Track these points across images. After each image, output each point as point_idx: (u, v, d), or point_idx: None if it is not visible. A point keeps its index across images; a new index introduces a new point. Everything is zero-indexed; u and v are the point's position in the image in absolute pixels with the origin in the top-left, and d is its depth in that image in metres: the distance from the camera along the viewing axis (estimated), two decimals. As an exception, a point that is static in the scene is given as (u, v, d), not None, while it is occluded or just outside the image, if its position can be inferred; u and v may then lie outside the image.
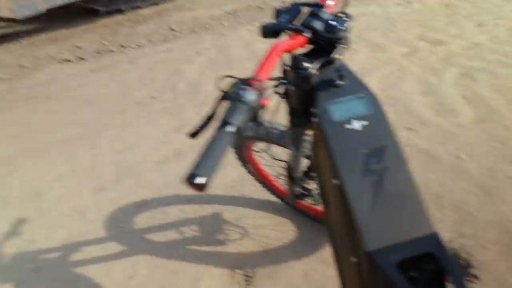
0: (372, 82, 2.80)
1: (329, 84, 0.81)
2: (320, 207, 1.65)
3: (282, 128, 1.32)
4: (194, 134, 0.74)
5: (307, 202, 1.53)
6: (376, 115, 0.76)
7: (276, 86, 0.92)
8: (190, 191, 2.02)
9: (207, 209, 1.91)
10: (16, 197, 2.18)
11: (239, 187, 2.02)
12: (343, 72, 0.81)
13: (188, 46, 3.90)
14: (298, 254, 1.63)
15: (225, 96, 0.67)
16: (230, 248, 1.70)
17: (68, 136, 2.69)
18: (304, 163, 1.32)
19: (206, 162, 0.59)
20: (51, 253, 1.82)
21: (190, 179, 0.57)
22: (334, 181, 0.70)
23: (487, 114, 2.38)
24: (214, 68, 3.36)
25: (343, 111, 0.76)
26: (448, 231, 1.63)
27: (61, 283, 1.68)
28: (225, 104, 0.68)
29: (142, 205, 2.00)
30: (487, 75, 2.77)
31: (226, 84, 0.70)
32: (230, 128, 0.62)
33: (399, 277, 0.57)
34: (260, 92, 0.68)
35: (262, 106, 0.69)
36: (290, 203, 1.75)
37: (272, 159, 1.42)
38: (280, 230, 1.75)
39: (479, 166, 1.97)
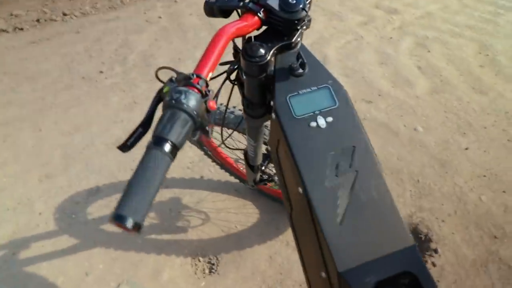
0: (330, 52, 2.75)
1: (288, 73, 0.70)
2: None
3: (239, 113, 1.24)
4: (124, 147, 0.57)
5: (270, 186, 1.49)
6: (342, 109, 0.67)
7: (226, 72, 0.82)
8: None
9: (165, 194, 1.82)
10: (-50, 191, 1.97)
11: (197, 168, 1.94)
12: (304, 59, 0.70)
13: (138, 14, 3.61)
14: (262, 237, 1.60)
15: (163, 97, 0.56)
16: (191, 235, 1.65)
17: (9, 117, 2.45)
18: (263, 149, 1.26)
19: (137, 198, 0.46)
20: (-4, 251, 1.69)
21: (118, 223, 0.44)
22: (299, 190, 0.63)
23: (441, 85, 2.42)
24: (167, 38, 3.15)
25: (306, 105, 0.67)
26: (407, 205, 1.67)
27: (8, 285, 1.56)
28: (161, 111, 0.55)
29: (95, 193, 1.88)
30: (440, 45, 2.80)
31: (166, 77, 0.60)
32: (166, 147, 0.49)
33: None
34: (205, 92, 0.55)
35: (208, 111, 0.56)
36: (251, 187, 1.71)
37: (227, 148, 1.30)
38: (242, 213, 1.71)
39: (435, 138, 2.01)
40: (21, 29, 3.52)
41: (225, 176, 1.83)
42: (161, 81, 0.63)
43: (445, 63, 2.62)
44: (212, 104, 0.56)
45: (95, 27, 3.45)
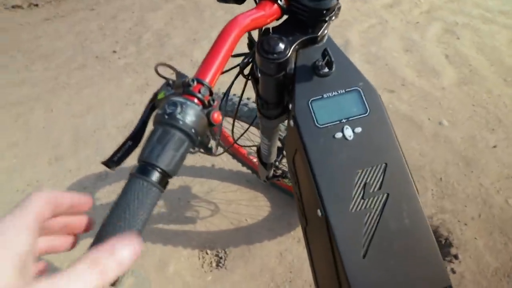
0: (352, 37, 2.60)
1: (311, 72, 0.58)
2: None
3: (253, 106, 1.15)
4: (110, 163, 0.48)
5: (283, 182, 1.42)
6: (373, 117, 0.55)
7: (239, 66, 0.72)
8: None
9: (175, 182, 1.77)
10: (-38, 169, 1.97)
11: (209, 157, 1.88)
12: (331, 56, 0.57)
13: (154, -10, 3.51)
14: (272, 233, 1.54)
15: (157, 104, 0.46)
16: (200, 226, 1.60)
17: (21, 96, 2.42)
18: (278, 147, 1.18)
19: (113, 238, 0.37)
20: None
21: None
22: (317, 212, 0.53)
23: (469, 75, 2.26)
24: (183, 17, 3.05)
25: (331, 112, 0.56)
26: (428, 206, 1.57)
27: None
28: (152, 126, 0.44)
29: (104, 178, 1.84)
30: (470, 32, 2.62)
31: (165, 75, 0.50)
32: (154, 176, 0.39)
33: None
34: (208, 103, 0.45)
35: (211, 125, 0.46)
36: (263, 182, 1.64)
37: (237, 144, 1.19)
38: (253, 205, 1.65)
39: (461, 134, 1.88)
40: (36, 5, 3.48)
41: (237, 166, 1.76)
42: (162, 77, 0.54)
43: (475, 51, 2.45)
44: (217, 116, 0.45)
45: (110, 4, 3.37)
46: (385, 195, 0.52)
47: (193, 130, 0.42)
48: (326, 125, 0.55)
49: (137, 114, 2.15)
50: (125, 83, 2.44)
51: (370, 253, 0.49)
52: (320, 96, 0.57)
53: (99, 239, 0.37)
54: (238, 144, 1.16)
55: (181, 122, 0.41)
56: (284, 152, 1.25)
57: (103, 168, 1.89)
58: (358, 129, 0.55)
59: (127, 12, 3.22)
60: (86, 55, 2.75)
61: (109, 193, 1.76)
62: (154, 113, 0.47)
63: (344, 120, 0.55)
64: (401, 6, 2.94)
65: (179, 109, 0.41)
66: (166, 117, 0.41)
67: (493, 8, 2.87)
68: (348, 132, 0.54)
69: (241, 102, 1.15)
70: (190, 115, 0.42)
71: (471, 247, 1.43)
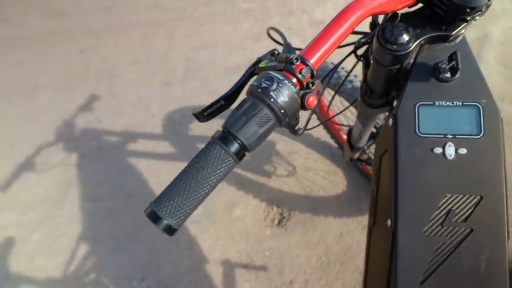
0: (495, 31, 2.25)
1: (431, 73, 0.52)
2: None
3: (358, 85, 1.10)
4: (200, 116, 0.51)
5: (366, 167, 1.37)
6: (486, 143, 0.49)
7: (354, 45, 0.68)
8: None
9: (262, 135, 1.83)
10: (95, 74, 2.27)
11: (302, 119, 1.88)
12: (459, 61, 0.49)
13: None
14: (339, 211, 1.53)
15: (258, 72, 0.46)
16: (273, 183, 1.65)
17: (151, 19, 2.64)
18: (371, 132, 1.12)
19: (181, 198, 0.39)
20: (113, 136, 1.93)
21: (151, 219, 0.39)
22: (387, 222, 0.51)
23: None
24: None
25: (437, 123, 0.50)
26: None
27: (115, 167, 1.80)
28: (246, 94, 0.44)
29: (202, 112, 1.98)
30: None
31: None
32: (233, 147, 0.40)
33: None
34: (306, 85, 0.43)
35: (304, 108, 0.44)
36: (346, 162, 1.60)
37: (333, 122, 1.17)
38: (329, 179, 1.63)
39: None
40: None
41: (325, 136, 1.73)
42: (274, 40, 0.54)
43: None
44: (312, 100, 0.44)
45: None
46: (468, 230, 0.47)
47: (282, 111, 0.41)
48: (428, 135, 0.50)
49: (246, 60, 2.22)
50: (242, 27, 2.49)
51: (429, 283, 0.46)
52: (432, 103, 0.52)
53: (164, 198, 0.40)
54: (332, 122, 1.14)
55: (272, 100, 0.40)
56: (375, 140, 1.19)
57: (203, 102, 2.02)
58: (463, 150, 0.49)
59: (263, -44, 3.20)
60: (215, -9, 2.85)
61: (202, 127, 1.89)
62: (251, 80, 0.48)
63: (449, 136, 0.50)
64: None
65: (274, 86, 0.41)
66: (259, 90, 0.41)
67: None
68: (450, 151, 0.49)
69: (347, 78, 1.11)
70: (284, 94, 0.41)
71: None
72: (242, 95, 0.51)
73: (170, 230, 0.39)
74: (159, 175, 1.73)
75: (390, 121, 0.54)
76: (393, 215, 0.49)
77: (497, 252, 0.46)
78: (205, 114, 0.50)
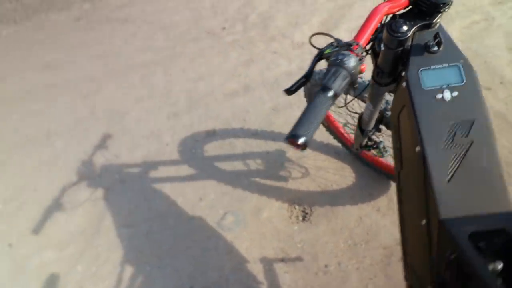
0: (453, 32, 2.61)
1: (424, 49, 0.80)
2: (383, 159, 1.71)
3: (362, 81, 1.34)
4: (289, 91, 0.77)
5: (372, 153, 1.59)
6: (468, 87, 0.75)
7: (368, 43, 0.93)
8: (255, 126, 2.15)
9: (272, 145, 2.04)
10: (104, 114, 2.43)
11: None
12: (440, 38, 0.78)
13: (261, -26, 3.77)
14: (354, 200, 1.73)
15: (324, 56, 0.71)
16: (291, 185, 1.84)
17: (146, 60, 2.86)
18: (376, 119, 1.36)
19: (307, 123, 0.64)
20: (133, 168, 2.08)
21: (292, 139, 0.64)
22: (417, 149, 0.74)
23: None
24: (286, 2, 3.27)
25: (435, 79, 0.76)
26: None
27: (142, 194, 1.94)
28: (325, 67, 0.71)
29: (212, 135, 2.17)
30: None
31: (318, 42, 0.74)
32: (330, 93, 0.66)
33: (470, 248, 0.62)
34: (360, 58, 0.70)
35: (359, 73, 0.70)
36: (353, 152, 1.82)
37: (346, 109, 1.45)
38: (339, 174, 1.85)
39: (558, 136, 1.87)
40: (159, -19, 3.91)
41: (328, 139, 1.96)
42: (314, 46, 0.78)
43: None
44: (363, 66, 0.71)
45: (222, -15, 3.69)
46: (470, 141, 0.72)
47: (352, 71, 0.68)
48: (430, 88, 0.77)
49: (240, 84, 2.45)
50: (231, 56, 2.74)
51: (454, 179, 0.70)
52: (428, 67, 0.78)
53: (297, 125, 0.65)
54: (349, 109, 1.40)
55: (346, 65, 0.67)
56: (380, 126, 1.43)
57: (211, 127, 2.22)
58: (455, 93, 0.75)
59: (236, -7, 3.52)
60: (199, 29, 3.11)
61: (216, 147, 2.08)
62: (319, 63, 0.73)
63: (444, 86, 0.76)
64: (510, 3, 2.85)
65: (346, 58, 0.68)
66: (338, 61, 0.68)
67: None
68: (446, 95, 0.75)
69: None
70: (352, 62, 0.68)
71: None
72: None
73: (305, 143, 0.64)
74: (186, 195, 1.89)
75: (403, 84, 0.80)
76: (419, 142, 0.73)
77: (492, 153, 0.71)
78: (291, 89, 0.76)
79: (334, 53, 0.69)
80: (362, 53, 0.71)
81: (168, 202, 1.89)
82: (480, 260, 0.61)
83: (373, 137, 1.47)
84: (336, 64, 0.67)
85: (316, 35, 0.83)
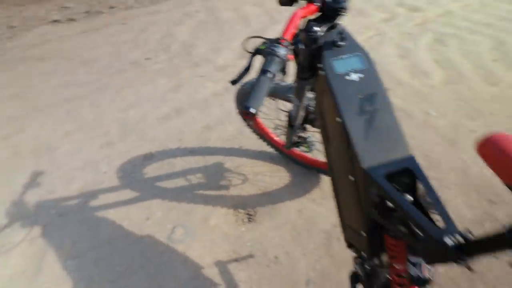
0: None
1: (332, 44, 1.02)
2: (310, 156, 1.92)
3: (287, 84, 1.55)
4: (234, 82, 0.94)
5: (301, 150, 1.79)
6: (369, 69, 0.99)
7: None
8: (191, 144, 2.25)
9: (209, 160, 2.15)
10: (30, 152, 2.35)
11: (237, 140, 2.26)
12: (344, 35, 1.02)
13: (177, 8, 3.97)
14: (292, 195, 1.91)
15: (260, 51, 0.88)
16: (233, 191, 1.96)
17: (70, 96, 2.82)
18: (303, 114, 1.56)
19: (254, 99, 0.80)
20: (72, 200, 2.04)
21: (244, 110, 0.79)
22: (337, 119, 0.94)
23: (455, 76, 2.67)
24: (205, 31, 3.48)
25: (344, 66, 0.98)
26: (417, 174, 1.94)
27: (85, 224, 1.91)
28: (261, 58, 0.89)
29: (149, 158, 2.22)
30: (457, 41, 3.04)
31: (251, 44, 0.90)
32: (269, 75, 0.83)
33: (388, 185, 0.82)
34: (288, 48, 0.88)
35: (288, 60, 0.89)
36: (284, 153, 2.01)
37: (278, 109, 1.65)
38: (276, 176, 2.02)
39: (446, 121, 2.27)
40: (73, 19, 3.92)
41: (261, 146, 2.13)
42: (247, 51, 0.95)
43: (460, 57, 2.86)
44: (290, 56, 0.90)
45: (139, 19, 3.82)
46: (375, 108, 0.94)
47: (284, 58, 0.86)
48: (341, 72, 0.98)
49: (173, 109, 2.55)
50: (159, 84, 2.84)
51: (368, 137, 0.91)
52: (338, 57, 1.01)
53: (249, 100, 0.80)
54: (280, 109, 1.58)
55: (279, 53, 0.85)
56: (305, 125, 1.64)
57: (148, 150, 2.27)
58: (361, 75, 0.98)
59: (154, 26, 3.66)
60: (123, 61, 3.17)
61: (155, 169, 2.14)
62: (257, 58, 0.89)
63: (352, 70, 0.99)
64: (397, 20, 3.38)
65: (277, 48, 0.86)
66: (272, 51, 0.86)
67: (479, 21, 3.30)
68: (354, 76, 0.98)
69: (280, 82, 1.57)
70: (283, 51, 0.86)
71: (451, 204, 1.79)
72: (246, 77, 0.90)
73: (254, 113, 0.79)
74: (131, 217, 1.90)
75: (322, 72, 1.00)
76: (339, 113, 0.92)
77: (390, 114, 0.94)
78: (235, 80, 0.93)
79: (267, 47, 0.87)
80: (288, 45, 0.89)
81: (113, 227, 1.88)
82: (398, 194, 0.80)
83: (301, 134, 1.67)
84: (270, 53, 0.85)
85: (249, 39, 1.00)
